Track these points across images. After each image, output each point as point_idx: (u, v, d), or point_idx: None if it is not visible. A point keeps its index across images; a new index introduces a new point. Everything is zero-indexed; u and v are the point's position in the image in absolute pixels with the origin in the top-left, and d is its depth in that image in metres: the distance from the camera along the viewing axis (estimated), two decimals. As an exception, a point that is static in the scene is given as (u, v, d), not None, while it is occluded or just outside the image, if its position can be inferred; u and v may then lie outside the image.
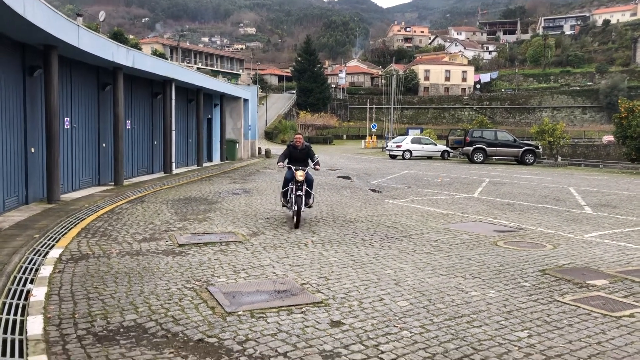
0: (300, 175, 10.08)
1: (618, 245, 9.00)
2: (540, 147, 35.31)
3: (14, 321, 4.87)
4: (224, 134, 29.52)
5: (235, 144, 30.71)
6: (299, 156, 10.80)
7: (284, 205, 10.76)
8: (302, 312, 5.31)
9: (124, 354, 4.24)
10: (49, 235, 8.62)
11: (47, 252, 7.55)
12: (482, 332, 4.90)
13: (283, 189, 10.71)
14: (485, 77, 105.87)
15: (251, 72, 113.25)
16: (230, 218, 10.90)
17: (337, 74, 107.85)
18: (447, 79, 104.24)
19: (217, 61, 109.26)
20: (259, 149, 38.02)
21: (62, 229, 9.26)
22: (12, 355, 4.16)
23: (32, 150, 11.97)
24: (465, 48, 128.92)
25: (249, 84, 59.53)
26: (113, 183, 16.24)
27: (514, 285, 6.44)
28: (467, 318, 5.26)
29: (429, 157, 38.13)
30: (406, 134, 49.61)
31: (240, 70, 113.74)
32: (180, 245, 8.24)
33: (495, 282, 6.58)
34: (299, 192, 9.97)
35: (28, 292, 5.75)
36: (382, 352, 4.38)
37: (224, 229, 9.67)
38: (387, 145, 42.61)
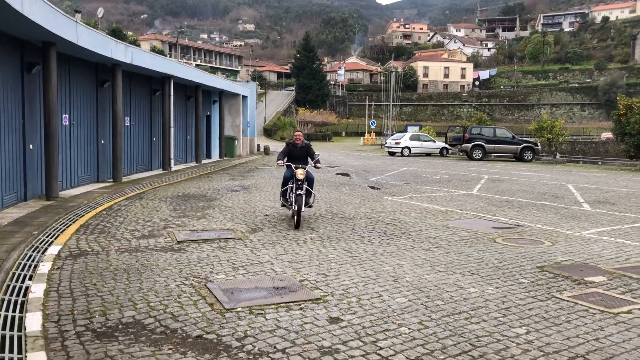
0: (300, 173, 9.72)
1: (616, 242, 9.01)
2: (539, 144, 35.31)
3: (13, 318, 4.88)
4: (223, 130, 29.49)
5: (234, 141, 30.69)
6: (298, 154, 10.50)
7: (283, 205, 10.47)
8: (301, 309, 5.32)
9: (122, 350, 4.25)
10: (47, 232, 8.62)
11: (46, 249, 7.55)
12: (480, 328, 4.91)
13: (282, 188, 10.39)
14: (484, 74, 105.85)
15: (250, 69, 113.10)
16: (229, 215, 10.90)
17: (336, 71, 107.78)
18: (446, 75, 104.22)
19: (216, 58, 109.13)
20: (258, 145, 38.01)
21: (60, 225, 9.26)
22: (11, 351, 4.17)
23: (31, 147, 11.96)
24: (464, 45, 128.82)
25: (247, 81, 59.50)
26: (112, 180, 16.23)
27: (512, 282, 6.45)
28: (465, 314, 5.27)
29: (428, 154, 38.13)
30: (405, 130, 49.61)
31: (239, 67, 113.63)
32: (179, 242, 8.24)
33: (494, 278, 6.59)
34: (299, 191, 9.61)
35: (27, 288, 5.75)
36: (381, 349, 4.39)
37: (223, 226, 9.67)
38: (385, 142, 42.61)
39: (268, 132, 68.17)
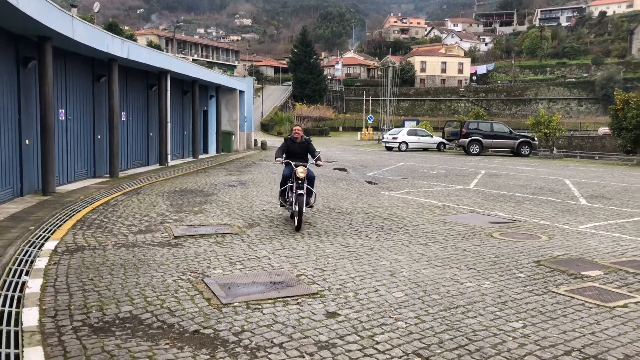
0: (301, 171, 8.98)
1: (612, 237, 9.04)
2: (536, 138, 35.36)
3: (9, 313, 4.87)
4: (220, 125, 29.44)
5: (231, 136, 30.64)
6: (298, 151, 9.75)
7: (281, 205, 9.87)
8: (298, 303, 5.32)
9: (119, 345, 4.25)
10: (44, 227, 8.60)
11: (43, 244, 7.54)
12: (477, 322, 4.92)
13: (281, 187, 9.69)
14: (482, 69, 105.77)
15: (247, 64, 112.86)
16: (226, 210, 10.89)
17: (334, 66, 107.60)
18: (444, 70, 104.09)
19: (213, 53, 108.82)
20: (255, 140, 37.96)
21: (57, 220, 9.24)
22: (8, 346, 4.16)
23: (27, 142, 11.92)
24: (461, 39, 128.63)
25: (244, 76, 59.37)
26: (108, 175, 16.19)
27: (509, 276, 6.47)
28: (462, 309, 5.28)
29: (425, 149, 38.16)
30: (402, 125, 49.63)
31: (236, 62, 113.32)
32: (176, 237, 8.23)
33: (490, 273, 6.60)
34: (299, 191, 8.88)
35: (23, 284, 5.74)
36: (378, 343, 4.40)
37: (220, 221, 9.66)
38: (383, 137, 42.62)
39: (265, 127, 68.08)
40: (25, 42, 11.76)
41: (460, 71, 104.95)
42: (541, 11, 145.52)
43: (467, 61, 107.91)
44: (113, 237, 8.12)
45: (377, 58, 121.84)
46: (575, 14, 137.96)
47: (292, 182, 9.18)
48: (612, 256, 7.62)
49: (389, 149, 37.98)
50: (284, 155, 9.70)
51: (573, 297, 5.72)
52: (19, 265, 6.44)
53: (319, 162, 9.73)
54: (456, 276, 6.41)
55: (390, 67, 69.11)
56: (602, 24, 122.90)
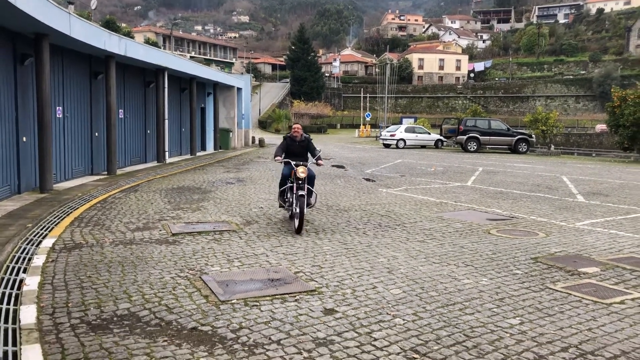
0: (301, 171, 8.60)
1: (609, 233, 9.06)
2: (533, 135, 35.39)
3: (7, 310, 4.87)
4: (218, 123, 29.41)
5: (228, 133, 30.61)
6: (297, 149, 9.39)
7: (281, 206, 9.53)
8: (296, 300, 5.33)
9: (117, 342, 4.25)
10: (42, 225, 8.59)
11: (40, 242, 7.53)
12: (474, 319, 4.94)
13: (280, 187, 9.39)
14: (479, 66, 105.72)
15: (245, 61, 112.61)
16: (223, 207, 10.89)
17: (331, 63, 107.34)
18: (441, 67, 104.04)
19: (211, 50, 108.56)
20: (253, 138, 37.94)
21: (55, 218, 9.23)
22: (6, 344, 4.16)
23: (24, 139, 11.90)
24: (459, 37, 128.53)
25: (242, 73, 59.31)
26: (106, 172, 16.17)
27: (506, 273, 6.48)
28: (459, 305, 5.29)
29: (423, 146, 38.17)
30: (400, 123, 49.61)
31: (234, 59, 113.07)
32: (173, 235, 8.23)
33: (488, 270, 6.62)
34: (300, 192, 8.49)
35: (21, 281, 5.73)
36: (375, 340, 4.41)
37: (218, 218, 9.66)
38: (381, 134, 42.62)
39: (263, 125, 68.02)
40: (22, 39, 11.73)
41: (458, 68, 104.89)
42: (539, 8, 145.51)
43: (464, 58, 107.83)
44: (111, 235, 8.12)
45: (374, 55, 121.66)
46: (572, 11, 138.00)
47: (292, 182, 8.87)
48: (609, 253, 7.64)
49: (387, 146, 37.98)
50: (284, 154, 9.34)
51: (570, 294, 5.74)
52: (16, 262, 6.43)
53: (319, 162, 9.28)
54: (454, 273, 6.43)
55: (388, 64, 68.93)
56: (600, 21, 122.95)
